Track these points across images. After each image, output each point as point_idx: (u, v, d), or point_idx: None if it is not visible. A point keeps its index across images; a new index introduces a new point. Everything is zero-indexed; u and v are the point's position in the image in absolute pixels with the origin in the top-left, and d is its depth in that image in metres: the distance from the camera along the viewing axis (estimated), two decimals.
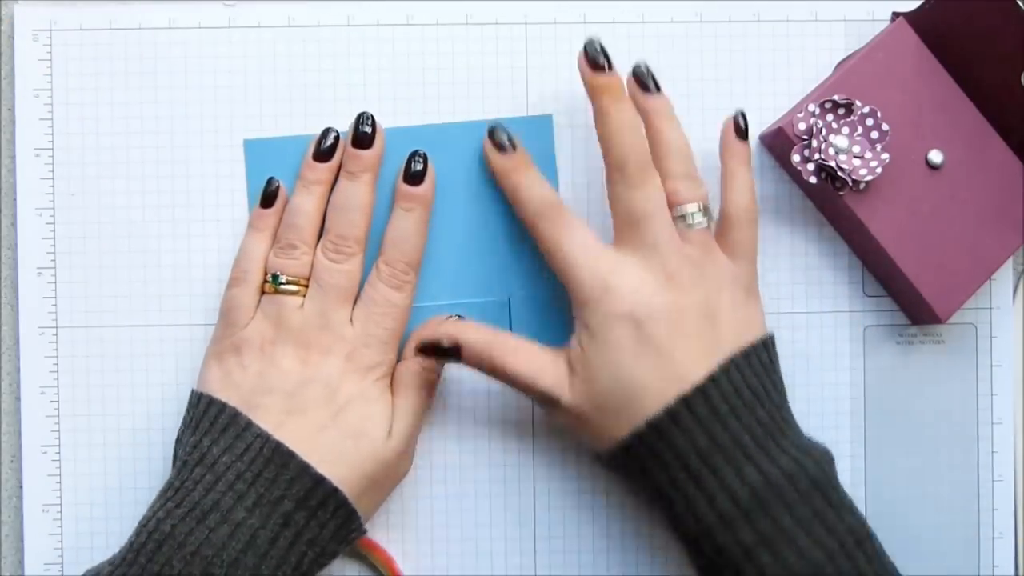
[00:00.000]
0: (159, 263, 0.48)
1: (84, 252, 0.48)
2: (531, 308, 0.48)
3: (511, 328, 0.47)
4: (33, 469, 0.47)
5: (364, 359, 0.44)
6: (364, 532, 0.44)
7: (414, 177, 0.46)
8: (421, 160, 0.46)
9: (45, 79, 0.48)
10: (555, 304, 0.48)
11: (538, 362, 0.43)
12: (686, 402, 0.40)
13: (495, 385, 0.48)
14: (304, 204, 0.45)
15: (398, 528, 0.48)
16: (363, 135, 0.46)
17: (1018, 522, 0.50)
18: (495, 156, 0.46)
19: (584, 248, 0.43)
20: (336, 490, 0.41)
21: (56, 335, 0.48)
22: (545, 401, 0.43)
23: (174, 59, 0.48)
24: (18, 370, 0.48)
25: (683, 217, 0.43)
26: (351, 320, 0.45)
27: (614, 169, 0.43)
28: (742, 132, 0.45)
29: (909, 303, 0.49)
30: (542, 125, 0.48)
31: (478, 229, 0.48)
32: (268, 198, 0.46)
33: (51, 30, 0.48)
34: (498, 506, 0.48)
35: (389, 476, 0.45)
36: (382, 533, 0.48)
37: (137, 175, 0.48)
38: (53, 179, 0.48)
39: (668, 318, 0.41)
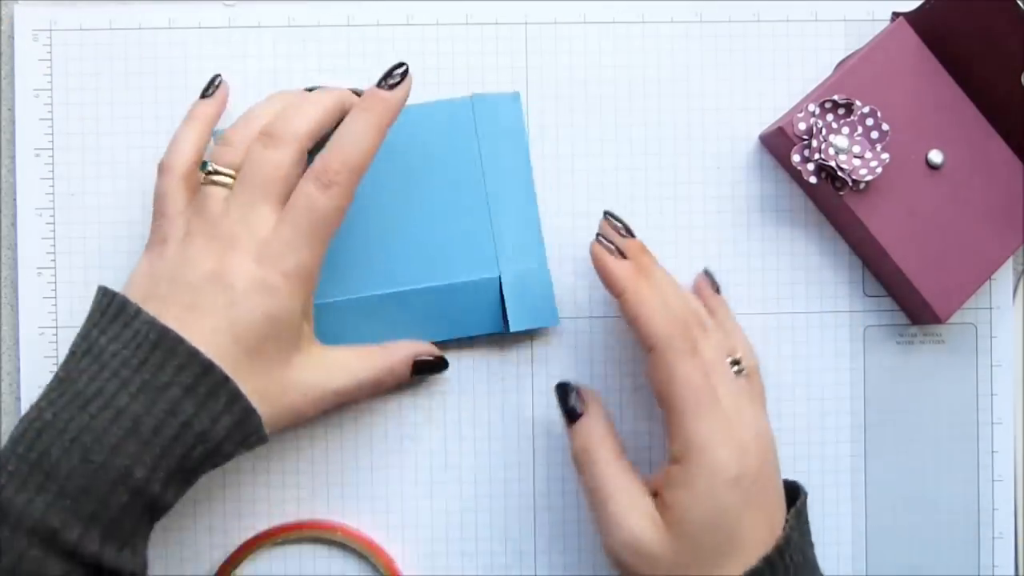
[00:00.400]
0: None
1: (84, 252, 0.48)
2: (523, 284, 0.47)
3: (503, 308, 0.47)
4: None
5: (276, 263, 0.40)
6: (265, 439, 0.41)
7: (388, 81, 0.42)
8: (401, 73, 0.42)
9: (45, 79, 0.48)
10: (546, 279, 0.47)
11: (631, 495, 0.41)
12: (769, 564, 0.39)
13: (495, 384, 0.48)
14: (258, 107, 0.43)
15: (398, 528, 0.48)
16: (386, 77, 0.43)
17: (1018, 522, 0.50)
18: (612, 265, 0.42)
19: (688, 358, 0.40)
20: (227, 379, 0.38)
21: (56, 335, 0.48)
22: (622, 544, 0.40)
23: (174, 59, 0.48)
24: (18, 370, 0.48)
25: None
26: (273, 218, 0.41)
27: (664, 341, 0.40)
28: (716, 287, 0.46)
29: (909, 303, 0.49)
30: (511, 102, 0.48)
31: (462, 203, 0.47)
32: (208, 87, 0.45)
33: (51, 30, 0.48)
34: (498, 506, 0.48)
35: (295, 388, 0.42)
36: (382, 533, 0.48)
37: (137, 175, 0.48)
38: (53, 179, 0.48)
39: (757, 475, 0.40)
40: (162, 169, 0.43)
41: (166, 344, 0.38)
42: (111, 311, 0.40)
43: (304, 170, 0.41)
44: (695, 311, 0.42)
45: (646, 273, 0.41)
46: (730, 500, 0.39)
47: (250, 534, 0.47)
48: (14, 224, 0.48)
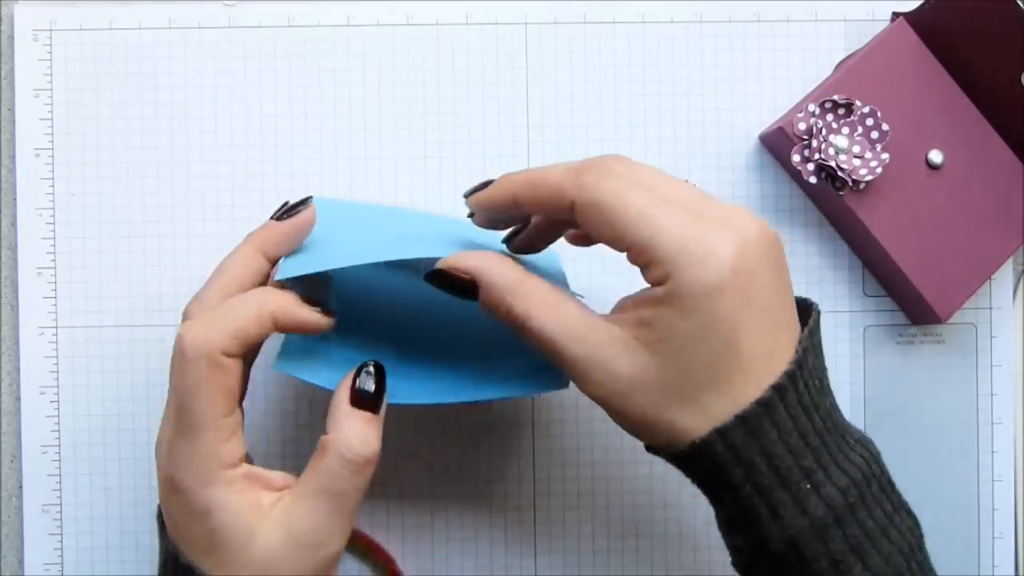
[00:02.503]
0: (159, 263, 0.48)
1: (84, 252, 0.48)
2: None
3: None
4: (33, 469, 0.47)
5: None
6: None
7: (285, 213, 0.39)
8: (295, 205, 0.39)
9: (45, 79, 0.48)
10: None
11: (574, 324, 0.35)
12: (780, 392, 0.34)
13: None
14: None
15: (398, 528, 0.48)
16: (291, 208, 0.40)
17: (1018, 522, 0.50)
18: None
19: (660, 201, 0.34)
20: None
21: (56, 335, 0.48)
22: (575, 372, 0.35)
23: (174, 59, 0.48)
24: (18, 370, 0.48)
25: None
26: None
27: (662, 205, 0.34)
28: None
29: (909, 303, 0.48)
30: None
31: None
32: (285, 209, 0.40)
33: (51, 30, 0.48)
34: (498, 506, 0.48)
35: (312, 569, 0.36)
36: (382, 533, 0.48)
37: (137, 175, 0.48)
38: (53, 179, 0.48)
39: (763, 277, 0.34)
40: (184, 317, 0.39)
41: None
42: (160, 539, 0.39)
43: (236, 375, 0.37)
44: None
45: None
46: (725, 304, 0.33)
47: None
48: (14, 224, 0.48)
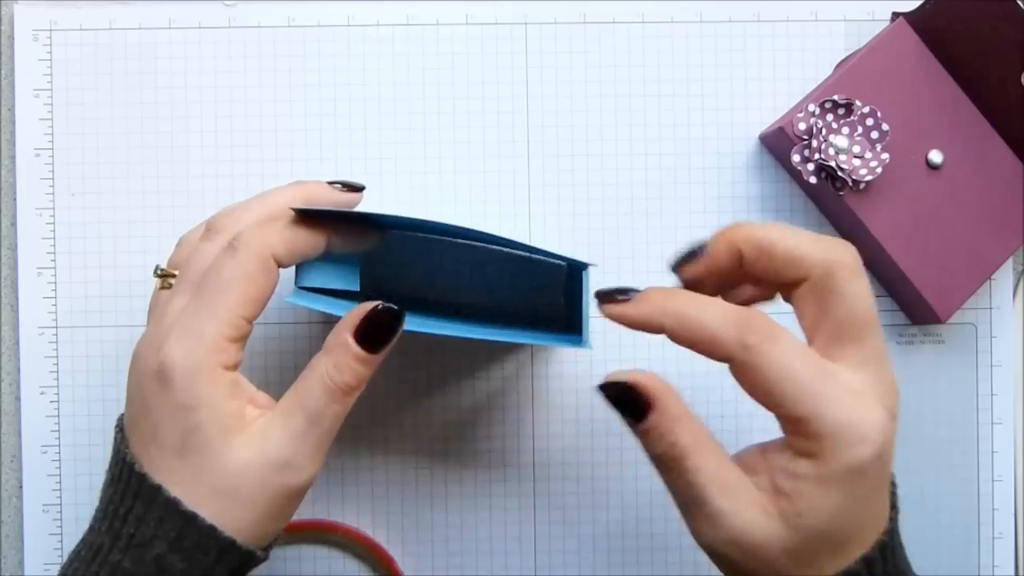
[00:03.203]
0: (159, 263, 0.48)
1: (84, 252, 0.48)
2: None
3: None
4: (33, 469, 0.47)
5: (176, 342, 0.35)
6: (264, 558, 0.37)
7: (342, 183, 0.41)
8: (355, 186, 0.40)
9: (45, 79, 0.48)
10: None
11: (725, 475, 0.34)
12: (882, 548, 0.35)
13: (495, 384, 0.48)
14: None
15: (398, 528, 0.48)
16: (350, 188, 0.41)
17: (1018, 522, 0.50)
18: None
19: (819, 374, 0.33)
20: (213, 528, 0.34)
21: (56, 335, 0.48)
22: (711, 521, 0.34)
23: (174, 59, 0.48)
24: (18, 370, 0.48)
25: None
26: None
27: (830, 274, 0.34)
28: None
29: (909, 303, 0.49)
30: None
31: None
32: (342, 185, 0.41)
33: (51, 30, 0.48)
34: (498, 506, 0.48)
35: (274, 493, 0.36)
36: (382, 533, 0.48)
37: (137, 175, 0.48)
38: (53, 179, 0.48)
39: (891, 452, 0.35)
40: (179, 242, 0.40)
41: (146, 494, 0.35)
42: (114, 448, 0.38)
43: (270, 279, 0.37)
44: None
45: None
46: (865, 483, 0.33)
47: None
48: (14, 224, 0.48)
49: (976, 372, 0.50)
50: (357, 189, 0.41)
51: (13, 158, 0.48)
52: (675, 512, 0.49)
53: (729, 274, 0.36)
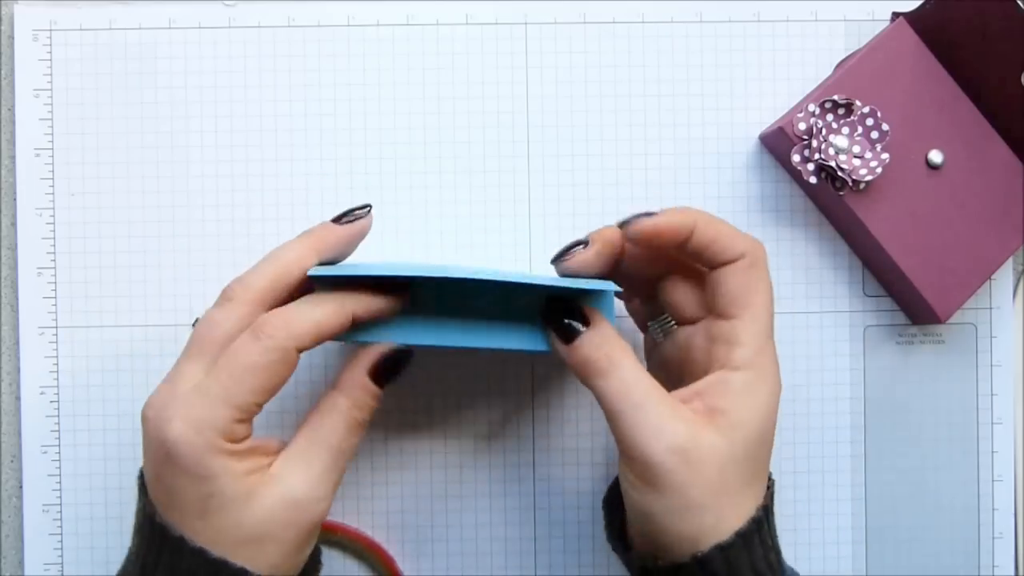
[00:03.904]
0: (159, 263, 0.48)
1: (84, 252, 0.48)
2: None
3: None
4: (33, 469, 0.47)
5: (185, 411, 0.36)
6: None
7: (344, 218, 0.40)
8: (359, 212, 0.40)
9: (45, 79, 0.48)
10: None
11: (667, 396, 0.37)
12: (766, 511, 0.38)
13: (494, 385, 0.48)
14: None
15: (398, 528, 0.48)
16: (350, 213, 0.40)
17: (1018, 522, 0.50)
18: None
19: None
20: (244, 571, 0.35)
21: (56, 335, 0.48)
22: (657, 455, 0.36)
23: (174, 59, 0.48)
24: (18, 370, 0.48)
25: None
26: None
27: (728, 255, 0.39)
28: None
29: (909, 303, 0.49)
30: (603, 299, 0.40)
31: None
32: (345, 215, 0.41)
33: (51, 30, 0.48)
34: (498, 506, 0.48)
35: (302, 529, 0.37)
36: (382, 533, 0.48)
37: (137, 175, 0.48)
38: (53, 179, 0.48)
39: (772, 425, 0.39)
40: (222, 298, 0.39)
41: (171, 545, 0.36)
42: (139, 500, 0.38)
43: (288, 371, 0.38)
44: None
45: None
46: (771, 426, 0.38)
47: None
48: (14, 224, 0.48)
49: (976, 372, 0.50)
50: (362, 213, 0.40)
51: (13, 158, 0.48)
52: None
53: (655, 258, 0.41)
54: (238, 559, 0.36)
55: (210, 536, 0.36)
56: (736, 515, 0.37)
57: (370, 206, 0.41)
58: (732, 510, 0.37)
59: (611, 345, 0.38)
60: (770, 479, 0.40)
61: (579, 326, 0.38)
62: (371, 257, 0.47)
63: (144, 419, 0.37)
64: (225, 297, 0.38)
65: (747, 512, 0.37)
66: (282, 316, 0.37)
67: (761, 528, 0.37)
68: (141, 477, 0.38)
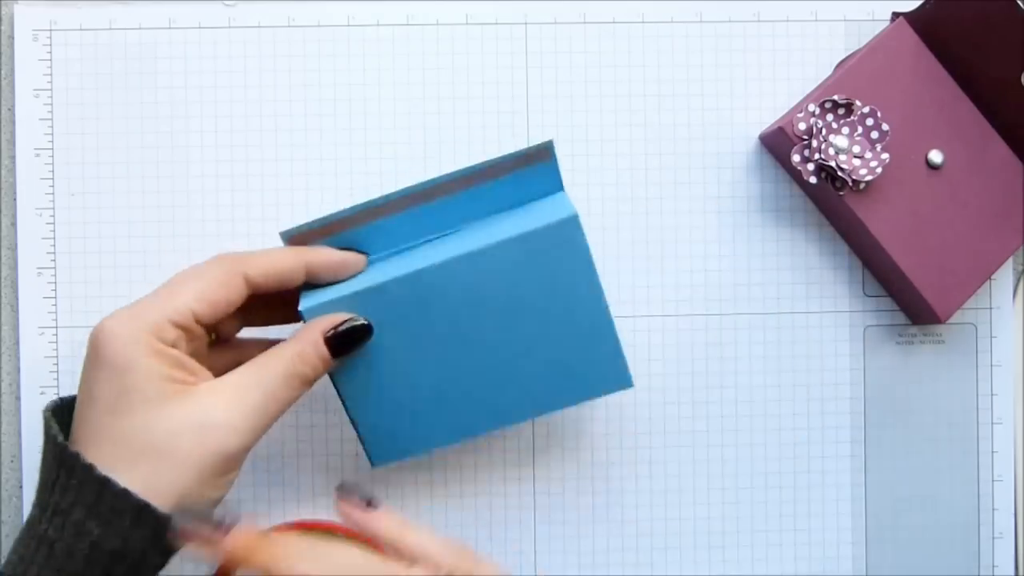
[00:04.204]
0: (159, 263, 0.48)
1: (84, 252, 0.48)
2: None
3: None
4: (33, 469, 0.47)
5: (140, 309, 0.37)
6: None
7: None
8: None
9: (45, 79, 0.48)
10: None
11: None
12: None
13: None
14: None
15: None
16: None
17: (1018, 522, 0.50)
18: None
19: None
20: (126, 492, 0.35)
21: (56, 335, 0.48)
22: None
23: (174, 59, 0.48)
24: (18, 370, 0.48)
25: None
26: None
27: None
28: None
29: (909, 303, 0.49)
30: (569, 229, 0.41)
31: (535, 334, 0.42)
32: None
33: (51, 30, 0.48)
34: (498, 506, 0.48)
35: (209, 454, 0.36)
36: None
37: (137, 175, 0.48)
38: (53, 179, 0.48)
39: None
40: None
41: (67, 462, 0.36)
42: (45, 429, 0.38)
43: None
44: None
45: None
46: None
47: None
48: (14, 224, 0.48)
49: (976, 372, 0.50)
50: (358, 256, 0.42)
51: (13, 158, 0.48)
52: (675, 512, 0.49)
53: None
54: (134, 475, 0.35)
55: (114, 436, 0.35)
56: None
57: (368, 254, 0.42)
58: None
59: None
60: None
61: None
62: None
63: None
64: (217, 257, 0.39)
65: None
66: (238, 252, 0.39)
67: None
68: (49, 409, 0.38)
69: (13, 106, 0.48)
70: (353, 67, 0.48)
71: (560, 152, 0.49)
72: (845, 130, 0.45)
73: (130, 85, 0.48)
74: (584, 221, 0.49)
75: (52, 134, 0.48)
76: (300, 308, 0.40)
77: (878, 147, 0.45)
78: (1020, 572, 0.50)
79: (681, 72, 0.49)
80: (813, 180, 0.45)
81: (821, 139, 0.45)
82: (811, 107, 0.46)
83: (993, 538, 0.50)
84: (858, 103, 0.45)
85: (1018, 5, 0.44)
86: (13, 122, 0.48)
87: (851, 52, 0.49)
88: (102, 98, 0.48)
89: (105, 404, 0.36)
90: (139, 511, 0.35)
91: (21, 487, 0.47)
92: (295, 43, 0.48)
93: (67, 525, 0.35)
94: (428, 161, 0.48)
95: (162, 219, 0.48)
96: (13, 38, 0.48)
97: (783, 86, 0.49)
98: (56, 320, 0.48)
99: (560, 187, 0.43)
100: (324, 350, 0.39)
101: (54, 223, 0.48)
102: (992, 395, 0.50)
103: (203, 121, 0.48)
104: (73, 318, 0.48)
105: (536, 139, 0.49)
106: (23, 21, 0.48)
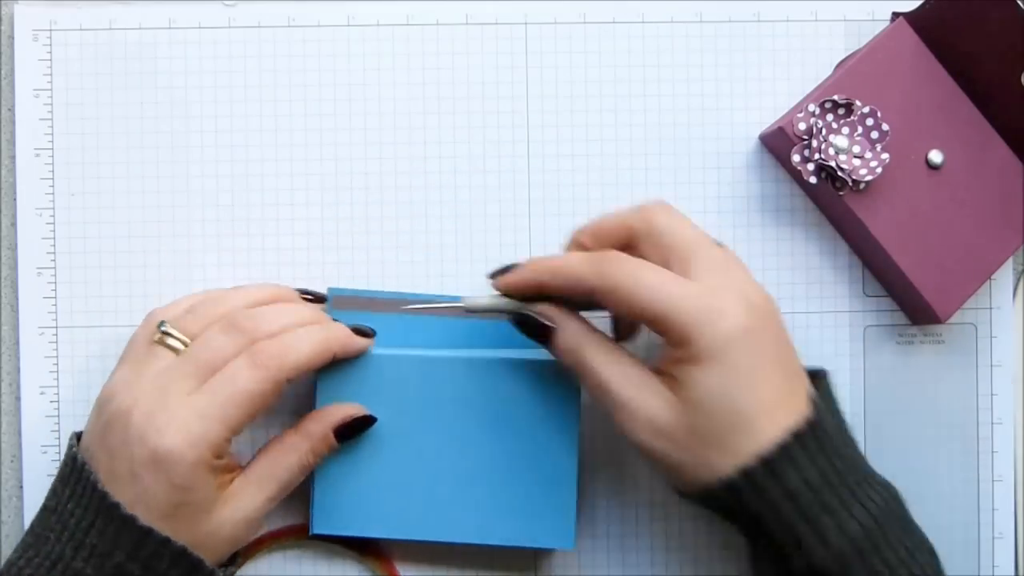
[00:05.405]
0: (159, 263, 0.48)
1: (84, 252, 0.48)
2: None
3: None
4: (33, 469, 0.47)
5: (183, 430, 0.39)
6: (221, 574, 0.42)
7: (362, 329, 0.44)
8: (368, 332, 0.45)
9: (45, 79, 0.48)
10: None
11: (629, 372, 0.40)
12: (798, 437, 0.38)
13: None
14: (244, 292, 0.44)
15: None
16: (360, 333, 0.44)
17: (1018, 522, 0.50)
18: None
19: (667, 276, 0.39)
20: (168, 540, 0.39)
21: (56, 335, 0.48)
22: (624, 413, 0.40)
23: (174, 59, 0.48)
24: (18, 370, 0.48)
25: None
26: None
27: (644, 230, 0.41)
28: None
29: (909, 303, 0.49)
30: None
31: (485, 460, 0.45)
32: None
33: (51, 30, 0.48)
34: None
35: (226, 524, 0.41)
36: None
37: (137, 175, 0.48)
38: (53, 179, 0.48)
39: (768, 331, 0.39)
40: (149, 317, 0.43)
41: (105, 511, 0.39)
42: (71, 469, 0.41)
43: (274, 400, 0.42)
44: None
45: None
46: (741, 356, 0.38)
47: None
48: (14, 224, 0.48)
49: (976, 372, 0.50)
50: (367, 334, 0.45)
51: (13, 158, 0.48)
52: (674, 512, 0.49)
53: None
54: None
55: (166, 530, 0.39)
56: (757, 440, 0.38)
57: (374, 333, 0.45)
58: (744, 442, 0.38)
59: (578, 345, 0.41)
60: (817, 382, 0.41)
61: (547, 324, 0.42)
62: (371, 260, 0.47)
63: (124, 413, 0.40)
64: (236, 327, 0.41)
65: (781, 425, 0.38)
66: (277, 348, 0.41)
67: (802, 444, 0.38)
68: (75, 446, 0.41)
69: (13, 106, 0.48)
70: (353, 67, 0.48)
71: (560, 152, 0.49)
72: (845, 130, 0.45)
73: (130, 85, 0.48)
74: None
75: (52, 134, 0.48)
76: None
77: (878, 147, 0.45)
78: (1020, 572, 0.50)
79: (681, 72, 0.49)
80: (813, 180, 0.45)
81: (821, 139, 0.45)
82: (811, 107, 0.46)
83: (993, 538, 0.50)
84: (858, 103, 0.45)
85: (1018, 5, 0.44)
86: (13, 122, 0.48)
87: (851, 52, 0.49)
88: (102, 98, 0.48)
89: (161, 511, 0.39)
90: (178, 556, 0.39)
91: (21, 487, 0.47)
92: (295, 43, 0.48)
93: (107, 566, 0.39)
94: (428, 161, 0.48)
95: (162, 219, 0.48)
96: (13, 38, 0.48)
97: (783, 86, 0.49)
98: (56, 320, 0.48)
99: None
100: (333, 440, 0.43)
101: (54, 223, 0.48)
102: (992, 395, 0.50)
103: (203, 121, 0.48)
104: (73, 318, 0.48)
105: (536, 139, 0.49)
106: (23, 21, 0.48)
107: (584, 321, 0.42)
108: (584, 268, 0.40)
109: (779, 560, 0.39)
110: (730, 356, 0.38)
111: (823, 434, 0.39)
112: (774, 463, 0.38)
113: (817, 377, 0.43)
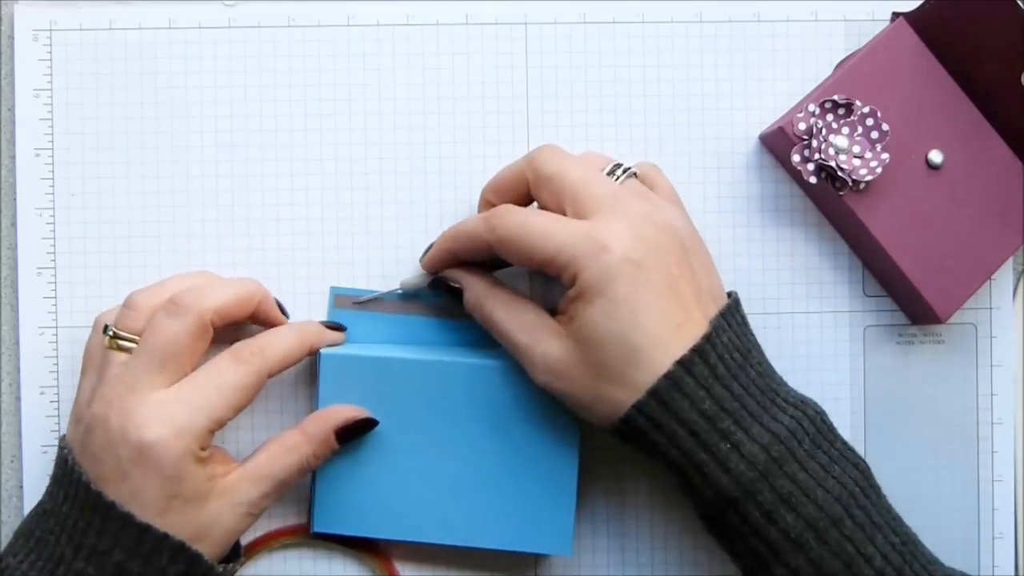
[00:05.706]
0: (159, 263, 0.48)
1: (84, 252, 0.48)
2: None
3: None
4: (33, 469, 0.47)
5: (167, 423, 0.40)
6: (230, 572, 0.43)
7: (332, 325, 0.47)
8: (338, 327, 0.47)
9: (45, 79, 0.48)
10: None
11: (525, 320, 0.42)
12: (685, 365, 0.38)
13: None
14: (176, 278, 0.45)
15: None
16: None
17: (1018, 522, 0.50)
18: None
19: (552, 219, 0.40)
20: (166, 536, 0.40)
21: (56, 335, 0.48)
22: (525, 358, 0.42)
23: (174, 59, 0.48)
24: (18, 370, 0.48)
25: (611, 173, 0.42)
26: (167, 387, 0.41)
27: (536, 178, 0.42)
28: None
29: (909, 303, 0.49)
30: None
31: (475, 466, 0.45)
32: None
33: (51, 30, 0.48)
34: None
35: (223, 515, 0.42)
36: None
37: (137, 175, 0.48)
38: (53, 179, 0.48)
39: (658, 262, 0.39)
40: (96, 325, 0.44)
41: (102, 511, 0.40)
42: (63, 471, 0.41)
43: (207, 346, 0.42)
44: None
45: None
46: (624, 288, 0.38)
47: (250, 537, 0.47)
48: (14, 224, 0.48)
49: (976, 372, 0.50)
50: (339, 328, 0.47)
51: (13, 158, 0.48)
52: (674, 512, 0.49)
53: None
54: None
55: (162, 526, 0.40)
56: (649, 372, 0.38)
57: (345, 328, 0.47)
58: (638, 376, 0.38)
59: (481, 300, 0.43)
60: (729, 303, 0.41)
61: (457, 291, 0.44)
62: (371, 260, 0.47)
63: (102, 418, 0.40)
64: (179, 306, 0.41)
65: (673, 356, 0.38)
66: (258, 344, 0.43)
67: (692, 372, 0.38)
68: (66, 448, 0.42)
69: (13, 106, 0.48)
70: (353, 67, 0.48)
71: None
72: (845, 130, 0.45)
73: (130, 85, 0.48)
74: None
75: (52, 134, 0.48)
76: (321, 353, 0.45)
77: (878, 147, 0.45)
78: (1020, 572, 0.50)
79: (681, 72, 0.49)
80: (813, 180, 0.45)
81: (821, 139, 0.45)
82: (811, 107, 0.46)
83: (993, 538, 0.50)
84: (858, 103, 0.45)
85: (1018, 5, 0.44)
86: (13, 122, 0.48)
87: (851, 52, 0.49)
88: (102, 98, 0.48)
89: (154, 507, 0.40)
90: (176, 551, 0.40)
91: (21, 487, 0.47)
92: (295, 43, 0.48)
93: (107, 565, 0.39)
94: (428, 161, 0.48)
95: (162, 219, 0.48)
96: (13, 38, 0.48)
97: (783, 86, 0.49)
98: (56, 320, 0.48)
99: None
100: (334, 442, 0.44)
101: (54, 223, 0.48)
102: (992, 395, 0.50)
103: (203, 121, 0.48)
104: (73, 318, 0.48)
105: (536, 139, 0.49)
106: (23, 21, 0.48)
107: (490, 278, 0.44)
108: (478, 226, 0.42)
109: (692, 492, 0.40)
110: (614, 289, 0.38)
111: (717, 361, 0.39)
112: (661, 393, 0.38)
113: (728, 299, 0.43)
